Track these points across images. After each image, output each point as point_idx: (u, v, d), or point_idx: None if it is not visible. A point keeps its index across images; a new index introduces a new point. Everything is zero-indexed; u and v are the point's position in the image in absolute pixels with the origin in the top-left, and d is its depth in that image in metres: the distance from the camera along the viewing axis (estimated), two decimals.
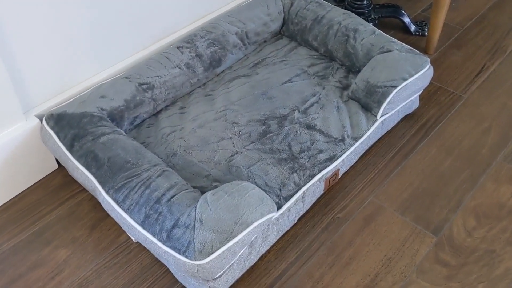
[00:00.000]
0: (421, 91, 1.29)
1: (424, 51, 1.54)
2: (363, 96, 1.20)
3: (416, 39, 1.59)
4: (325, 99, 1.22)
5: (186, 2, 1.33)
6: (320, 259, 1.04)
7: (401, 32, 1.63)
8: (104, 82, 1.18)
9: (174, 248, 0.87)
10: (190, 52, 1.26)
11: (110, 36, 1.20)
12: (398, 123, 1.32)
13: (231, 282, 0.97)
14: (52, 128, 1.07)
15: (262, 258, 1.04)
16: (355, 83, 1.22)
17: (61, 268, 1.02)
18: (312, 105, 1.21)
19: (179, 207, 0.91)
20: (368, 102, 1.19)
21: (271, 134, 1.14)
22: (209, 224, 0.88)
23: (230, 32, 1.33)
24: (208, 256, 0.86)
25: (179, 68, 1.23)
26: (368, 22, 1.53)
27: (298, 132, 1.14)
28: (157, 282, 0.99)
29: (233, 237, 0.88)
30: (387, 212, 1.12)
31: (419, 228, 1.09)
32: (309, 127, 1.16)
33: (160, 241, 0.88)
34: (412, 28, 1.60)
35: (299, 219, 1.10)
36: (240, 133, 1.14)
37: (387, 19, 1.65)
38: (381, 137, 1.28)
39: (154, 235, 0.89)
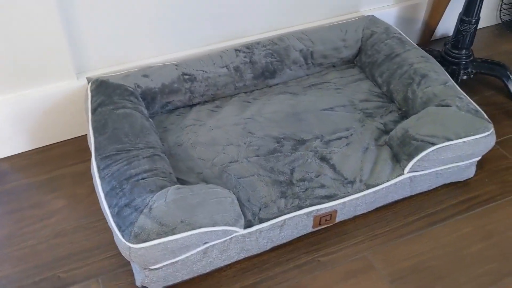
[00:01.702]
0: (475, 159, 1.12)
1: None
2: (396, 144, 1.08)
3: None
4: (357, 137, 1.13)
5: (267, 12, 1.34)
6: None
7: (502, 95, 1.42)
8: (156, 64, 1.25)
9: (117, 225, 0.89)
10: (245, 57, 1.26)
11: (174, 25, 1.26)
12: (440, 188, 1.16)
13: (174, 281, 0.95)
14: (91, 91, 1.17)
15: (220, 271, 1.00)
16: (395, 129, 1.10)
17: (51, 215, 1.11)
18: (339, 138, 1.13)
19: (141, 189, 0.92)
20: (399, 153, 1.07)
21: (279, 154, 1.09)
22: (155, 214, 0.88)
23: (294, 48, 1.30)
24: (142, 242, 0.86)
25: (227, 68, 1.24)
26: (461, 74, 1.37)
27: (309, 160, 1.08)
28: (115, 257, 1.02)
29: (173, 234, 0.86)
30: (375, 274, 0.99)
31: None
32: (323, 159, 1.08)
33: (111, 214, 0.91)
34: None
35: (277, 248, 1.04)
36: (251, 144, 1.11)
37: (491, 77, 1.45)
38: (411, 197, 1.14)
39: (109, 207, 0.92)
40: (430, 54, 1.43)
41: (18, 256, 1.02)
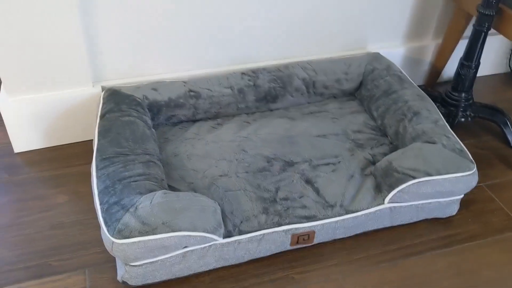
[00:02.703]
0: (456, 197, 1.15)
1: None
2: (379, 175, 1.13)
3: None
4: (344, 164, 1.18)
5: (277, 41, 1.42)
6: None
7: (499, 140, 1.45)
8: (167, 79, 1.34)
9: (105, 220, 0.96)
10: (249, 80, 1.34)
11: (187, 46, 1.35)
12: (422, 222, 1.19)
13: (152, 280, 1.01)
14: (103, 98, 1.26)
15: (198, 276, 1.06)
16: (381, 160, 1.15)
17: (51, 208, 1.19)
18: (327, 164, 1.18)
19: (131, 190, 1.00)
20: (382, 183, 1.12)
21: (267, 172, 1.15)
22: (140, 213, 0.95)
23: (298, 76, 1.37)
24: (124, 239, 0.93)
25: (231, 89, 1.32)
26: (459, 116, 1.41)
27: (294, 181, 1.13)
28: (104, 253, 1.09)
29: (154, 233, 0.93)
30: None
31: None
32: (308, 181, 1.14)
33: (101, 210, 0.98)
34: (511, 139, 1.42)
35: (255, 261, 1.09)
36: (242, 160, 1.18)
37: (491, 122, 1.49)
38: (392, 227, 1.17)
39: (100, 204, 1.00)
40: (431, 95, 1.49)
41: (15, 242, 1.11)
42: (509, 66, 1.74)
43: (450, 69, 1.66)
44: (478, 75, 1.73)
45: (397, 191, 1.09)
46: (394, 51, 1.57)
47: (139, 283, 1.02)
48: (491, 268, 1.10)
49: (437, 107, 1.44)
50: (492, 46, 1.68)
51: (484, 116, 1.44)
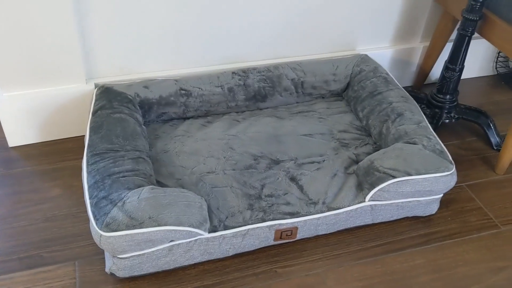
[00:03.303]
0: (435, 197, 1.19)
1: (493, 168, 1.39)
2: (361, 174, 1.17)
3: (495, 154, 1.45)
4: (329, 163, 1.22)
5: (268, 41, 1.46)
6: None
7: (483, 142, 1.49)
8: (159, 77, 1.38)
9: (93, 213, 1.00)
10: (239, 80, 1.38)
11: (179, 45, 1.39)
12: (403, 220, 1.23)
13: (139, 272, 1.05)
14: (96, 95, 1.30)
15: (184, 269, 1.10)
16: (364, 160, 1.19)
17: (46, 201, 1.23)
18: (312, 162, 1.22)
19: (119, 185, 1.04)
20: (363, 182, 1.16)
21: (254, 170, 1.19)
22: (127, 208, 0.99)
23: (287, 76, 1.41)
24: (112, 232, 0.97)
25: (221, 88, 1.36)
26: (444, 117, 1.45)
27: (279, 179, 1.17)
28: (93, 245, 1.13)
29: (140, 227, 0.97)
30: None
31: None
32: (293, 179, 1.18)
33: (90, 204, 1.02)
34: (493, 141, 1.46)
35: (240, 256, 1.13)
36: (230, 158, 1.22)
37: (476, 124, 1.53)
38: (374, 225, 1.21)
39: (90, 198, 1.03)
40: (418, 97, 1.53)
41: (9, 234, 1.15)
42: (496, 69, 1.78)
43: (438, 71, 1.70)
44: (465, 77, 1.78)
45: (378, 190, 1.13)
46: (383, 52, 1.60)
47: (126, 275, 1.06)
48: (467, 265, 1.14)
49: (423, 108, 1.49)
50: (479, 49, 1.71)
51: (468, 118, 1.48)
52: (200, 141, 1.27)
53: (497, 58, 1.75)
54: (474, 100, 1.68)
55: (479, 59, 1.74)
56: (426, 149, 1.18)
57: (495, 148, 1.46)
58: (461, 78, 1.75)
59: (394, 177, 1.12)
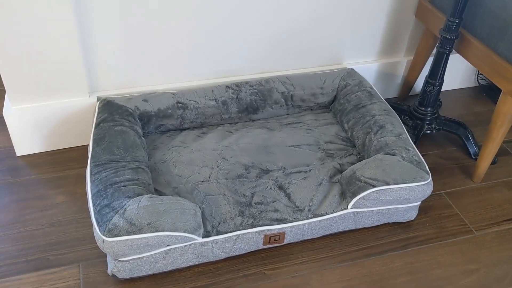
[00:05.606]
0: (413, 204, 1.28)
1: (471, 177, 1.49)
2: (344, 183, 1.26)
3: (473, 164, 1.54)
4: (315, 172, 1.32)
5: (259, 56, 1.55)
6: None
7: (462, 151, 1.58)
8: (157, 91, 1.47)
9: (97, 220, 1.09)
10: (232, 93, 1.47)
11: (176, 60, 1.48)
12: (383, 226, 1.32)
13: (139, 274, 1.15)
14: (98, 108, 1.39)
15: (179, 271, 1.19)
16: (347, 170, 1.28)
17: (51, 207, 1.32)
18: (299, 172, 1.31)
19: (121, 194, 1.13)
20: (346, 190, 1.25)
21: (244, 179, 1.28)
22: (128, 215, 1.08)
23: (277, 90, 1.50)
24: (113, 237, 1.06)
25: (216, 101, 1.45)
26: (425, 128, 1.54)
27: (268, 187, 1.27)
28: (96, 249, 1.22)
29: (140, 233, 1.06)
30: None
31: None
32: (281, 187, 1.27)
33: (94, 211, 1.12)
34: (472, 151, 1.55)
35: (231, 259, 1.22)
36: (223, 167, 1.31)
37: (457, 135, 1.62)
38: (356, 230, 1.31)
39: (93, 206, 1.13)
40: (401, 109, 1.62)
41: (17, 238, 1.24)
42: (477, 81, 1.87)
43: (421, 83, 1.79)
44: (448, 89, 1.87)
45: (359, 198, 1.22)
46: (369, 66, 1.70)
47: (127, 276, 1.15)
48: (441, 267, 1.24)
49: (406, 119, 1.58)
50: (461, 61, 1.81)
51: (448, 129, 1.57)
52: (195, 152, 1.36)
53: (478, 71, 1.84)
54: (455, 111, 1.77)
55: (461, 71, 1.84)
56: (404, 160, 1.27)
57: (473, 157, 1.56)
58: (444, 89, 1.86)
59: (374, 186, 1.21)
